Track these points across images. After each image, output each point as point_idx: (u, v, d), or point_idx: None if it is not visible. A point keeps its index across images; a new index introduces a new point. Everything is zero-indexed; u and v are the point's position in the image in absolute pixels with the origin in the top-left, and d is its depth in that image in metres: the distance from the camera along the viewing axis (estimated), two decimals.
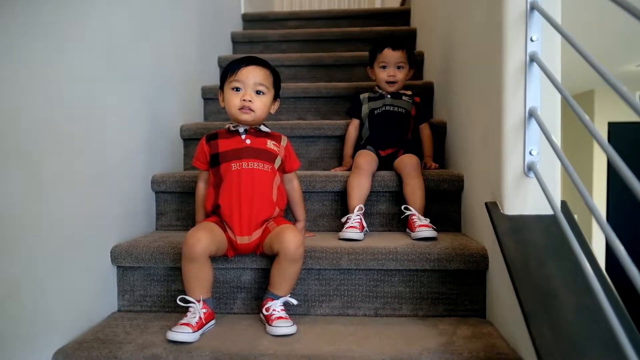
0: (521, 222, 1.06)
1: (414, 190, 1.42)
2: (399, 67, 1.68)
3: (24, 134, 0.95)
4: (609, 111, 4.72)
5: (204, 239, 1.12)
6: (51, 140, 1.03)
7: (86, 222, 1.17)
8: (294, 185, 1.37)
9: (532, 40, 1.05)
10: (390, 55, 1.67)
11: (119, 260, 1.28)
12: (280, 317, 1.12)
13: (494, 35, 1.14)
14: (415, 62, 1.75)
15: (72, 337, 1.09)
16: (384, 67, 1.69)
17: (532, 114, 1.05)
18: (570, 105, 0.88)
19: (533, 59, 1.04)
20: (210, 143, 1.30)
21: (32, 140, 0.97)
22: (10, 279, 0.91)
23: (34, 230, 0.98)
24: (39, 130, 0.99)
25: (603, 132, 4.70)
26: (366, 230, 1.39)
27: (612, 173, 4.75)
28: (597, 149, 4.75)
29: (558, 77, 1.02)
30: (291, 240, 1.12)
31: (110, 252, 1.28)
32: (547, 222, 1.05)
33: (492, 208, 1.13)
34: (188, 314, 1.11)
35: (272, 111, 1.34)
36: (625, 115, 4.71)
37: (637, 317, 0.88)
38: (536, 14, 1.03)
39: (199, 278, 1.13)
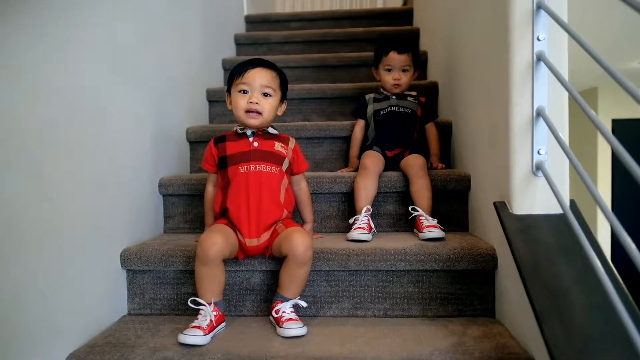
0: (530, 222, 1.06)
1: (421, 190, 1.42)
2: (404, 70, 1.67)
3: (29, 138, 0.94)
4: (613, 108, 4.71)
5: (220, 242, 1.12)
6: (57, 145, 1.03)
7: (95, 226, 1.17)
8: (302, 187, 1.37)
9: (538, 39, 1.05)
10: (396, 58, 1.66)
11: (129, 264, 1.28)
12: (290, 319, 1.12)
13: (499, 35, 1.14)
14: (420, 63, 1.75)
15: (84, 341, 1.10)
16: (389, 70, 1.68)
17: (539, 113, 1.05)
18: (578, 103, 0.88)
19: (540, 58, 1.04)
20: (218, 146, 1.30)
21: (37, 145, 0.97)
22: (20, 283, 0.92)
23: (42, 235, 0.98)
24: (44, 135, 0.99)
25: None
26: (374, 231, 1.39)
27: (617, 173, 4.73)
28: (600, 149, 4.74)
29: (565, 75, 1.02)
30: (299, 242, 1.13)
31: (120, 256, 1.28)
32: (556, 221, 1.05)
33: (501, 208, 1.13)
34: (199, 316, 1.11)
35: (280, 113, 1.34)
36: (629, 112, 4.70)
37: None
38: (543, 13, 1.03)
39: (212, 281, 1.13)
